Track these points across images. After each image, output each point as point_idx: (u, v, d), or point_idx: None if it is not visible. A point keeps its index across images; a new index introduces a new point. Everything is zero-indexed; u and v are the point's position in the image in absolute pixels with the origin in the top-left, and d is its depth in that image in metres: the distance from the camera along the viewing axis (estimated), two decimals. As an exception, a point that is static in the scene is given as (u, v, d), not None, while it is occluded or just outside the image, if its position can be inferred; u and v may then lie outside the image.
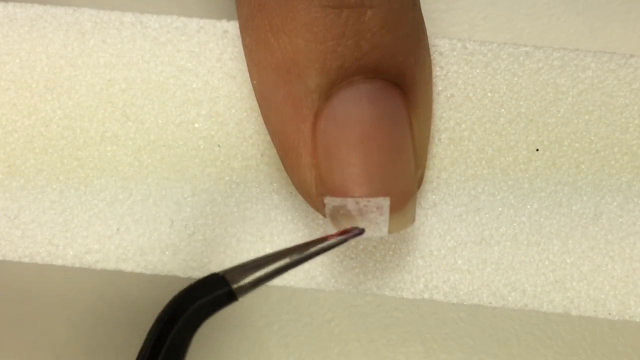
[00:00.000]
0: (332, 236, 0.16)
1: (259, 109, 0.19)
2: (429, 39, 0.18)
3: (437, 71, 0.19)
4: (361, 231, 0.16)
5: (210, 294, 0.14)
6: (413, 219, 0.17)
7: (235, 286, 0.15)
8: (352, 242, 0.19)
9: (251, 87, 0.19)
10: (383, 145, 0.16)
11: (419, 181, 0.18)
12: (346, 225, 0.16)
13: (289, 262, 0.15)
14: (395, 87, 0.16)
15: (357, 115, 0.15)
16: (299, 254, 0.15)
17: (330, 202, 0.16)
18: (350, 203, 0.15)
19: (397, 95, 0.16)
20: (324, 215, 0.16)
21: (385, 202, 0.15)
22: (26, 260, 0.19)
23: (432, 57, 0.19)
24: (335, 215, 0.16)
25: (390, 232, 0.16)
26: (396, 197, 0.16)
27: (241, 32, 0.17)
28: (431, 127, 0.19)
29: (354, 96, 0.15)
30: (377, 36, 0.15)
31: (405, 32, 0.16)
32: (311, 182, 0.16)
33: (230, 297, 0.14)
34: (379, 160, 0.16)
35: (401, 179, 0.16)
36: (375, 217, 0.16)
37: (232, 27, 0.19)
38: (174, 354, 0.14)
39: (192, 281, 0.15)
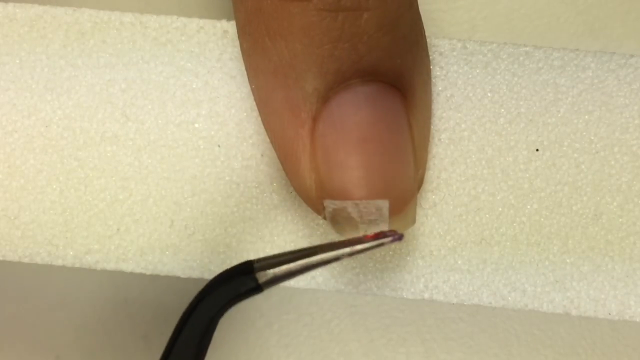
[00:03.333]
0: (368, 237, 0.15)
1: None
2: (428, 39, 0.18)
3: (437, 71, 0.19)
4: (400, 236, 0.15)
5: (236, 283, 0.15)
6: (414, 221, 0.17)
7: (263, 279, 0.15)
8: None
9: (251, 87, 0.19)
10: (382, 147, 0.16)
11: (419, 182, 0.18)
12: (347, 229, 0.16)
13: (320, 260, 0.15)
14: (393, 89, 0.16)
15: (355, 118, 0.15)
16: (332, 253, 0.15)
17: (330, 205, 0.16)
18: (350, 205, 0.15)
19: (396, 97, 0.16)
20: (325, 218, 0.16)
21: (384, 204, 0.15)
22: (26, 260, 0.19)
23: (432, 57, 0.19)
24: (335, 218, 0.16)
25: None
26: (396, 199, 0.16)
27: (239, 36, 0.17)
28: (431, 128, 0.19)
29: (352, 99, 0.15)
30: (374, 39, 0.15)
31: (402, 33, 0.16)
32: (311, 186, 0.16)
33: (256, 288, 0.15)
34: (378, 162, 0.15)
35: (401, 181, 0.16)
36: (375, 219, 0.16)
37: (232, 27, 0.19)
38: (195, 335, 0.15)
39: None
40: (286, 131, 0.16)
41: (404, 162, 0.16)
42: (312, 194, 0.16)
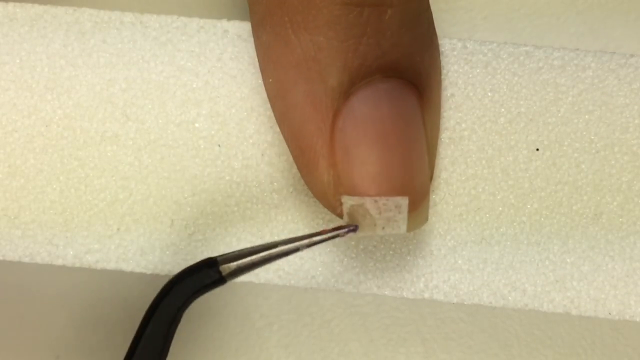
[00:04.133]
0: (326, 231, 0.16)
1: (259, 109, 0.19)
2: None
3: (437, 71, 0.19)
4: (355, 228, 0.16)
5: (200, 276, 0.16)
6: (426, 218, 0.17)
7: (226, 271, 0.16)
8: (353, 241, 0.19)
9: (251, 87, 0.19)
10: (401, 144, 0.16)
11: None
12: (364, 226, 0.16)
13: (280, 251, 0.16)
14: (411, 86, 0.16)
15: (376, 114, 0.15)
16: (291, 245, 0.16)
17: (348, 201, 0.16)
18: (368, 202, 0.15)
19: (413, 95, 0.16)
20: (339, 216, 0.16)
21: (404, 201, 0.15)
22: (26, 260, 0.19)
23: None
24: (353, 214, 0.16)
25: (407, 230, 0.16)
26: (414, 195, 0.16)
27: (256, 29, 0.17)
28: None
29: (374, 95, 0.15)
30: (397, 35, 0.15)
31: (421, 32, 0.16)
32: (329, 182, 0.16)
33: (219, 280, 0.16)
34: (398, 159, 0.16)
35: (418, 177, 0.16)
36: (393, 216, 0.16)
37: (232, 27, 0.19)
38: (162, 327, 0.16)
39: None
40: (306, 126, 0.16)
41: (421, 159, 0.16)
42: (329, 190, 0.16)
